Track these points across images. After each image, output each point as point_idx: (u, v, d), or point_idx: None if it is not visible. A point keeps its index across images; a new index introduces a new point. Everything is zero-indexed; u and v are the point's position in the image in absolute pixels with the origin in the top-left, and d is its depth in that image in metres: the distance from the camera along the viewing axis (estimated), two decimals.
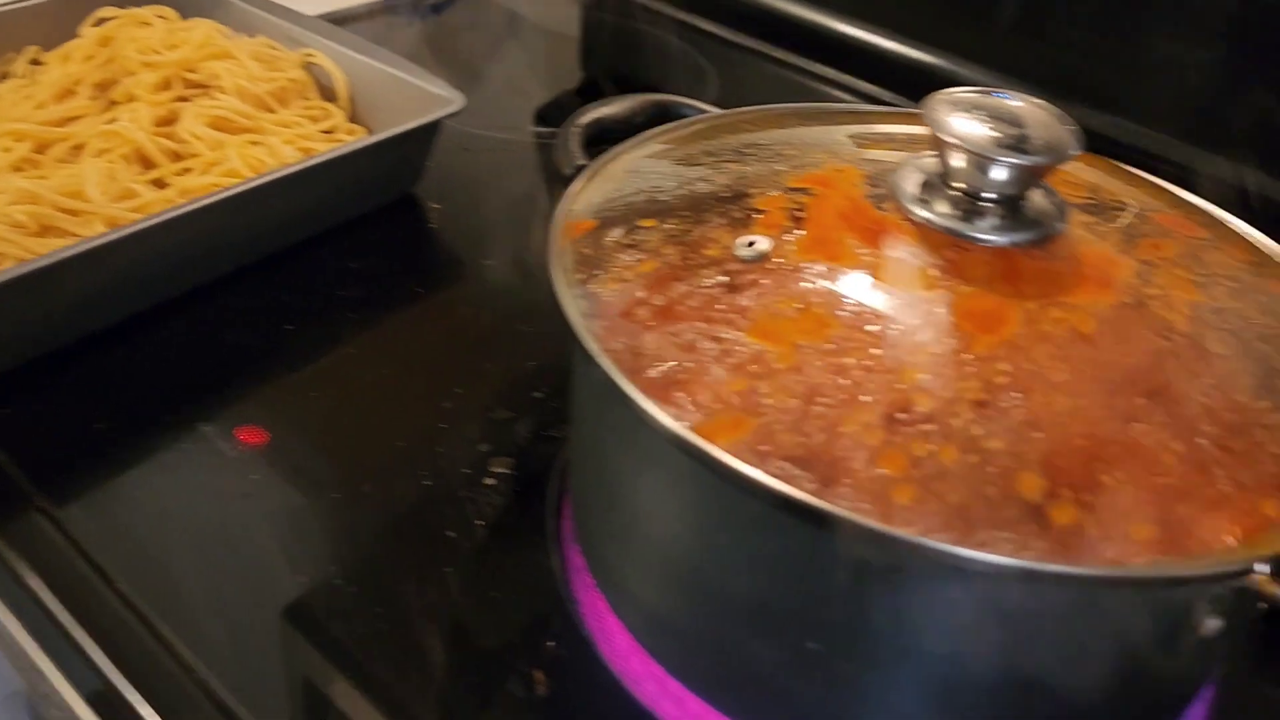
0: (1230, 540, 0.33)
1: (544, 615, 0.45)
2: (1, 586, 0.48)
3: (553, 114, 0.86)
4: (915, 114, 0.51)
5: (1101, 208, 0.43)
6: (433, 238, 0.69)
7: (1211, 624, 0.35)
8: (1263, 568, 0.32)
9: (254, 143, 0.67)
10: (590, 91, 0.91)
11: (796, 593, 0.36)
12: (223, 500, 0.49)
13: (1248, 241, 0.46)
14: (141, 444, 0.52)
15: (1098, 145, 0.47)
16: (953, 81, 0.77)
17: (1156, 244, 0.42)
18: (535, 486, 0.51)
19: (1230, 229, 0.46)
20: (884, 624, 0.35)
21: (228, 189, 0.58)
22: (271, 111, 0.71)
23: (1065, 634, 0.35)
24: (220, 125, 0.68)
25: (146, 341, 0.57)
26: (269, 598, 0.45)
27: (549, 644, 0.44)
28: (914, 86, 0.85)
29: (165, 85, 0.70)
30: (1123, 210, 0.43)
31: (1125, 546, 0.33)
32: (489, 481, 0.51)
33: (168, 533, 0.48)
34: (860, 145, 0.47)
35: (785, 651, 0.37)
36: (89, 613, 0.44)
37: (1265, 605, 0.33)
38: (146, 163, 0.66)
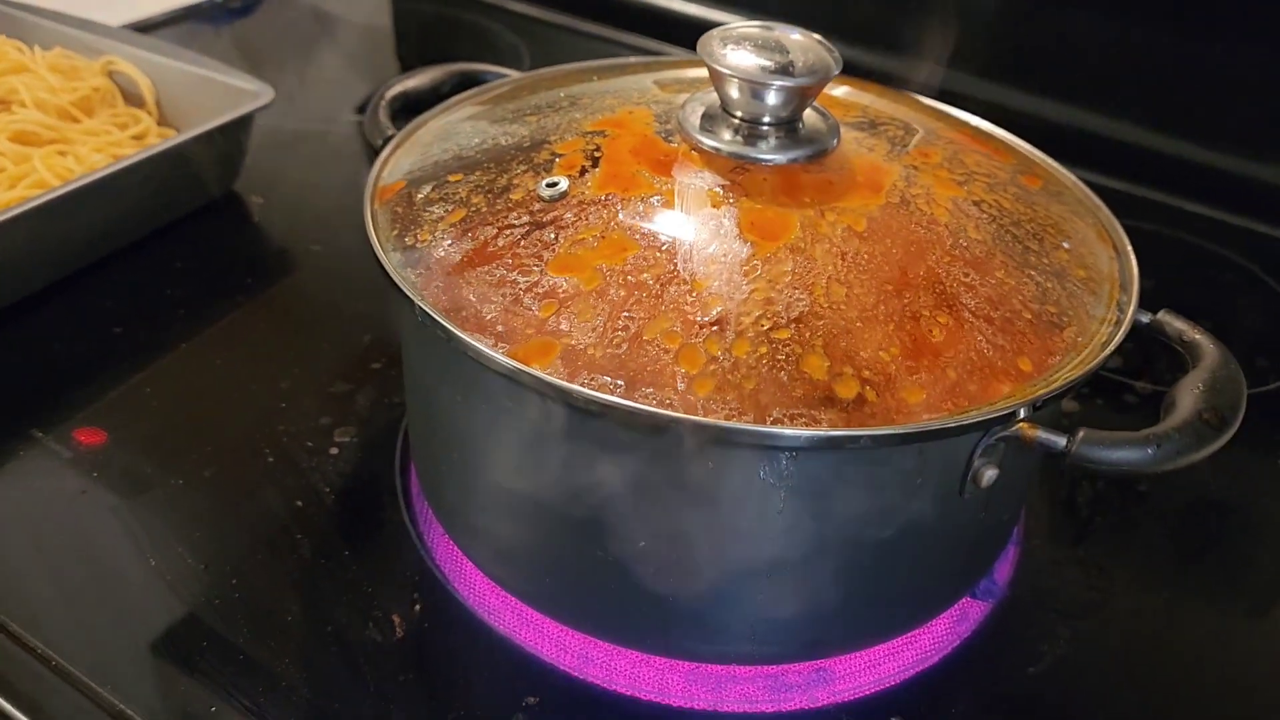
0: (994, 395, 0.38)
1: (399, 567, 0.47)
2: None
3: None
4: (698, 61, 0.55)
5: (872, 125, 0.47)
6: (258, 230, 0.70)
7: (989, 474, 0.39)
8: (1022, 412, 0.37)
9: (60, 153, 0.66)
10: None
11: (621, 497, 0.39)
12: (63, 499, 0.49)
13: (1004, 144, 0.51)
14: None
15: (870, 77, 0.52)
16: None
17: (923, 151, 0.46)
18: (380, 451, 0.53)
19: (988, 134, 0.51)
20: (704, 513, 0.38)
21: (35, 198, 0.57)
22: (77, 122, 0.70)
23: (865, 503, 0.38)
24: (24, 139, 0.67)
25: None
26: (120, 584, 0.45)
27: (406, 591, 0.46)
28: None
29: None
30: (890, 125, 0.47)
31: (904, 412, 0.36)
32: (333, 451, 0.52)
33: (9, 535, 0.47)
34: (645, 93, 0.50)
35: (620, 559, 0.40)
36: None
37: (1030, 448, 0.37)
38: None
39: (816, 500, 0.38)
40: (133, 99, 0.74)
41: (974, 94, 0.61)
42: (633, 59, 0.58)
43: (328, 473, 0.51)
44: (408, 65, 0.94)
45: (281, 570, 0.46)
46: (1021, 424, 0.37)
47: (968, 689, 0.44)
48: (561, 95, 0.50)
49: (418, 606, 0.45)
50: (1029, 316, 0.40)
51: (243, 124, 0.68)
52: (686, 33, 0.91)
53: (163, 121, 0.74)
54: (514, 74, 0.56)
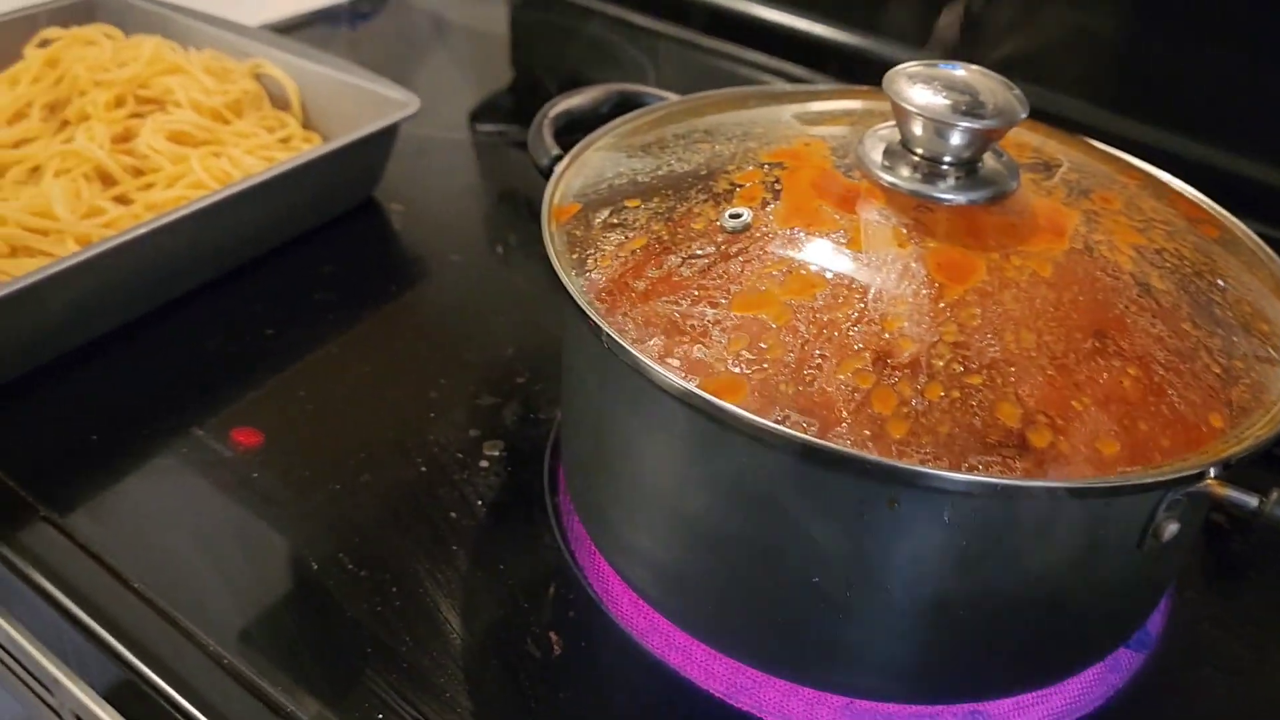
0: (1185, 450, 0.37)
1: (551, 583, 0.48)
2: (8, 596, 0.49)
3: (486, 113, 0.89)
4: (853, 90, 0.55)
5: (1046, 166, 0.47)
6: (398, 238, 0.71)
7: (1171, 528, 0.38)
8: (1214, 471, 0.36)
9: (215, 154, 0.68)
10: (522, 89, 0.94)
11: (801, 533, 0.39)
12: (225, 498, 0.50)
13: (1176, 191, 0.50)
14: (137, 451, 0.53)
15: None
16: (864, 59, 0.81)
17: (1102, 197, 0.45)
18: (528, 465, 0.53)
19: (1159, 180, 0.50)
20: (883, 553, 0.38)
21: (200, 200, 0.59)
22: (228, 123, 0.72)
23: (1047, 551, 0.38)
24: (179, 139, 0.69)
25: (131, 354, 0.58)
26: (282, 584, 0.47)
27: (560, 608, 0.46)
28: (829, 64, 0.90)
29: (119, 103, 0.70)
30: (1064, 168, 0.47)
31: (1096, 463, 0.36)
32: (483, 464, 0.53)
33: (175, 532, 0.49)
34: (812, 123, 0.50)
35: (788, 590, 0.40)
36: (106, 611, 0.45)
37: (1216, 505, 0.37)
38: (107, 180, 0.66)
39: (996, 546, 0.38)
40: (278, 102, 0.76)
41: (1129, 135, 0.60)
42: (788, 87, 0.58)
43: (479, 485, 0.52)
44: (521, 75, 0.96)
45: (440, 580, 0.47)
46: (1212, 481, 0.37)
47: None
48: (730, 123, 0.50)
49: (573, 625, 0.46)
50: (1217, 371, 0.40)
51: (390, 132, 0.69)
52: (809, 52, 0.92)
53: (307, 125, 0.75)
54: (673, 96, 0.57)
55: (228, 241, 0.64)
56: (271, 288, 0.64)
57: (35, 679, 0.53)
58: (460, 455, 0.53)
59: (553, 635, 0.45)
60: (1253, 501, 0.36)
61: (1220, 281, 0.43)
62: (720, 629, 0.44)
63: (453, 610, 0.46)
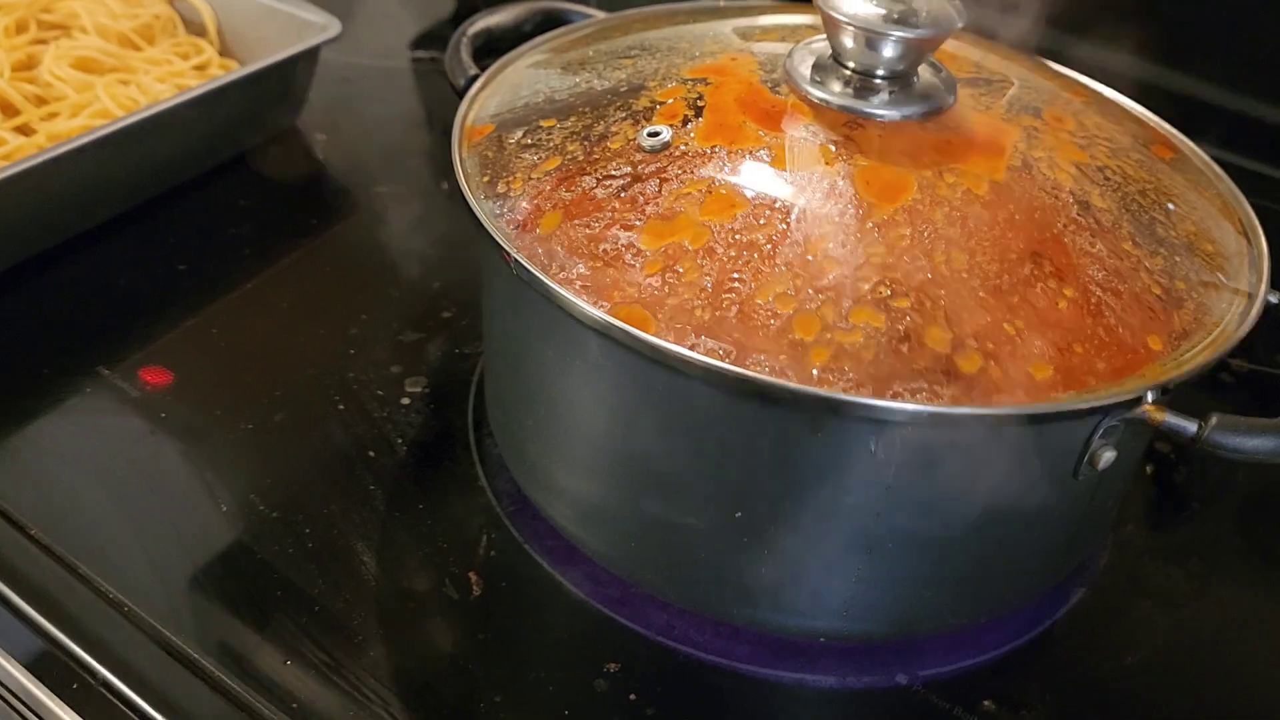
0: (1121, 374, 0.36)
1: (473, 522, 0.46)
2: None
3: (429, 41, 0.85)
4: (795, 6, 0.53)
5: (987, 82, 0.45)
6: (321, 169, 0.68)
7: (1107, 456, 0.37)
8: (1151, 396, 0.35)
9: (123, 82, 0.64)
10: (464, 17, 0.89)
11: (721, 465, 0.37)
12: (132, 439, 0.48)
13: (1122, 108, 0.48)
14: (42, 392, 0.50)
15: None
16: None
17: (1046, 112, 0.43)
18: (452, 403, 0.51)
19: (1107, 98, 0.48)
20: (807, 485, 0.36)
21: (102, 128, 0.56)
22: (139, 50, 0.68)
23: (979, 479, 0.36)
24: (85, 66, 0.65)
25: (35, 291, 0.55)
26: (192, 528, 0.44)
27: (480, 548, 0.45)
28: None
29: (20, 28, 0.66)
30: (1006, 83, 0.45)
31: (1028, 388, 0.34)
32: (405, 401, 0.51)
33: (78, 476, 0.46)
34: (745, 38, 0.47)
35: (712, 524, 0.38)
36: (4, 560, 0.43)
37: (1154, 430, 0.35)
38: (8, 110, 0.62)
39: (926, 476, 0.36)
40: (194, 27, 0.72)
41: (1085, 58, 0.58)
42: (719, 3, 0.55)
43: (400, 423, 0.50)
44: (466, 4, 0.92)
45: (355, 521, 0.45)
46: (1149, 407, 0.35)
47: (1059, 674, 0.43)
48: (656, 39, 0.47)
49: (494, 565, 0.44)
50: (1157, 292, 0.38)
51: (309, 57, 0.66)
52: None
53: (224, 52, 0.71)
54: (599, 14, 0.54)
55: (136, 173, 0.60)
56: (185, 222, 0.61)
57: None
58: (381, 393, 0.51)
59: (472, 576, 0.43)
60: (1191, 427, 0.35)
61: (1166, 202, 0.42)
62: (650, 569, 0.42)
63: (368, 551, 0.44)
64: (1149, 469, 0.51)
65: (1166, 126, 0.47)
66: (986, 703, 0.41)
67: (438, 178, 0.67)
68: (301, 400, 0.50)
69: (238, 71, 0.62)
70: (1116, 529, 0.48)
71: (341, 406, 0.50)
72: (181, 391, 0.51)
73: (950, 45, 0.48)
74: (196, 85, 0.60)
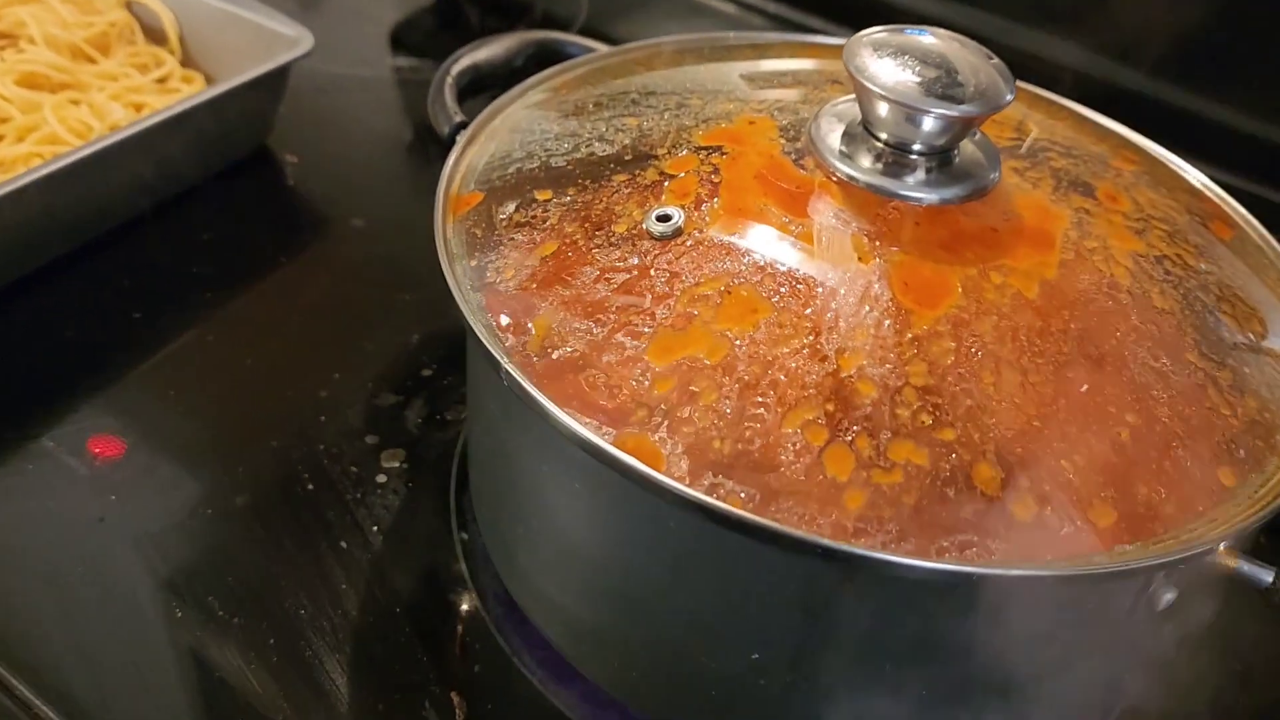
0: (1190, 515, 0.32)
1: (456, 631, 0.41)
2: None
3: (410, 37, 0.79)
4: (808, 47, 0.48)
5: (1031, 153, 0.40)
6: (292, 196, 0.63)
7: (1168, 597, 0.33)
8: (1224, 545, 0.31)
9: (74, 101, 0.59)
10: (447, 9, 0.84)
11: (742, 609, 0.33)
12: (78, 527, 0.43)
13: (1176, 176, 0.43)
14: None
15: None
16: None
17: (1096, 188, 0.39)
18: (434, 482, 0.47)
19: (1160, 162, 0.44)
20: (835, 636, 0.32)
21: (48, 165, 0.50)
22: (93, 62, 0.62)
23: (1021, 633, 0.32)
24: (32, 82, 0.59)
25: None
26: (143, 638, 0.40)
27: (465, 662, 0.40)
28: None
29: None
30: (1051, 150, 0.41)
31: (1090, 534, 0.30)
32: (381, 479, 0.46)
33: (20, 577, 0.42)
34: (760, 88, 0.43)
35: (727, 664, 0.34)
36: None
37: (1227, 579, 0.32)
38: None
39: (968, 632, 0.32)
40: (154, 35, 0.66)
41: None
42: (727, 36, 0.50)
43: (375, 507, 0.45)
44: (447, 4, 0.86)
45: (325, 629, 0.41)
46: (1221, 552, 0.31)
47: None
48: (658, 87, 0.43)
49: (479, 682, 0.40)
50: (1227, 413, 0.34)
51: (281, 74, 0.61)
52: None
53: (186, 62, 0.66)
54: (597, 46, 0.49)
55: (86, 208, 0.55)
56: (140, 261, 0.56)
57: None
58: (355, 469, 0.47)
59: (455, 696, 0.39)
60: (1268, 577, 0.31)
61: (1230, 296, 0.37)
62: (650, 696, 0.38)
63: (339, 668, 0.40)
64: None
65: (1224, 195, 0.43)
66: None
67: (419, 208, 0.61)
68: (267, 479, 0.46)
69: (201, 94, 0.56)
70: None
71: (311, 487, 0.46)
72: (134, 465, 0.46)
73: None
74: (155, 111, 0.55)
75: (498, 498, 0.40)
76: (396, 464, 0.47)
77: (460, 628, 0.42)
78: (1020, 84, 0.45)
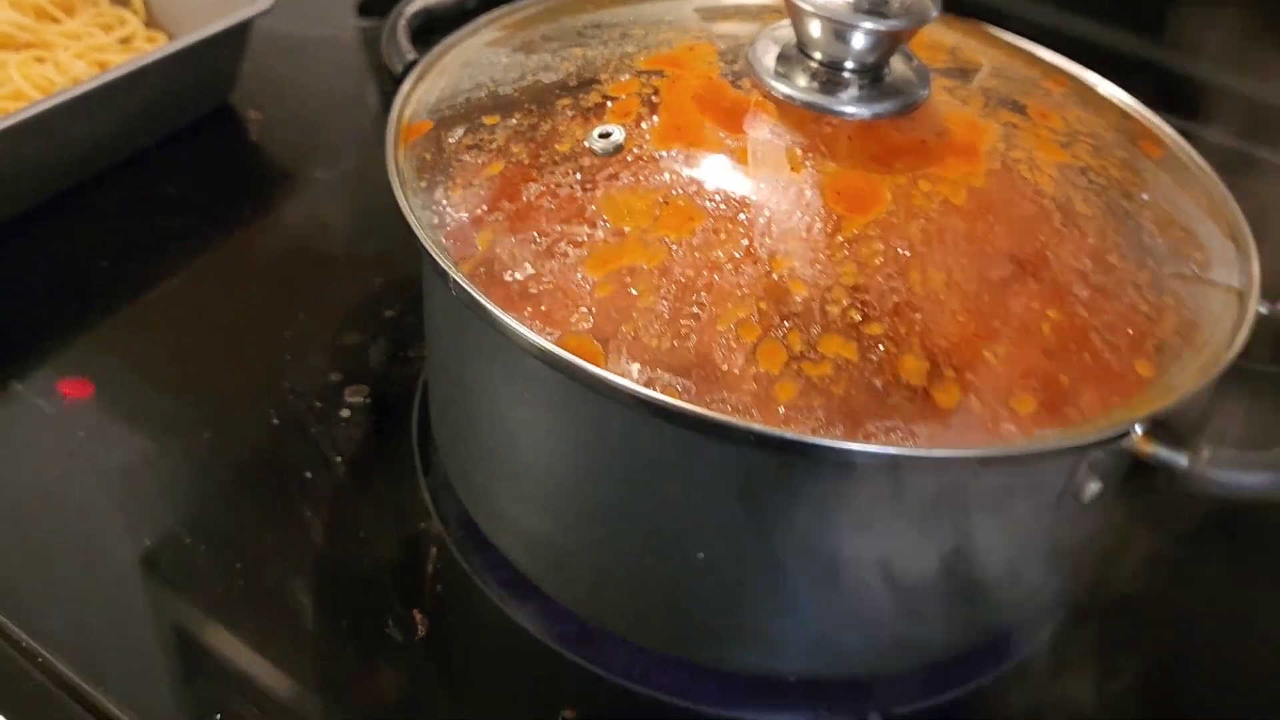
0: (1109, 403, 0.33)
1: (418, 552, 0.43)
2: None
3: (376, 4, 0.80)
4: None
5: (962, 71, 0.42)
6: (256, 151, 0.63)
7: (1092, 488, 0.35)
8: (1139, 429, 0.32)
9: (39, 59, 0.60)
10: None
11: (684, 505, 0.34)
12: (47, 462, 0.44)
13: (1107, 99, 0.45)
14: None
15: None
16: None
17: (1024, 105, 0.40)
18: (396, 413, 0.48)
19: (1089, 86, 0.45)
20: (773, 526, 0.34)
21: (13, 115, 0.51)
22: (56, 22, 0.63)
23: (953, 518, 0.34)
24: None
25: None
26: (112, 566, 0.41)
27: (427, 581, 0.42)
28: None
29: None
30: (983, 72, 0.42)
31: (1011, 421, 0.32)
32: (344, 413, 0.48)
33: None
34: (706, 20, 0.44)
35: (674, 564, 0.36)
36: None
37: (1144, 464, 0.33)
38: None
39: (896, 515, 0.34)
40: None
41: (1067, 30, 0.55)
42: None
43: (339, 439, 0.46)
44: None
45: (290, 554, 0.42)
46: (1137, 438, 0.33)
47: (1036, 704, 0.41)
48: (608, 20, 0.44)
49: (441, 601, 0.41)
50: (1145, 310, 0.35)
51: (242, 30, 0.61)
52: None
53: (150, 23, 0.67)
54: None
55: (53, 161, 0.56)
56: (107, 212, 0.57)
57: None
58: (319, 404, 0.48)
59: (417, 614, 0.40)
60: (1182, 460, 0.32)
61: (1153, 205, 0.39)
62: (604, 605, 0.40)
63: (304, 589, 0.41)
64: None
65: (1154, 119, 0.45)
66: None
67: (381, 161, 0.63)
68: (232, 415, 0.47)
69: (161, 50, 0.57)
70: (1098, 561, 0.46)
71: (276, 421, 0.47)
72: (102, 405, 0.47)
73: (926, 28, 0.45)
74: (118, 65, 0.56)
75: (454, 419, 0.41)
76: (360, 399, 0.48)
77: (423, 551, 0.43)
78: (957, 18, 0.46)
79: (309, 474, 0.45)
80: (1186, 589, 0.45)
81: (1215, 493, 0.33)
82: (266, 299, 0.53)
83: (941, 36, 0.44)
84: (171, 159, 0.61)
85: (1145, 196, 0.39)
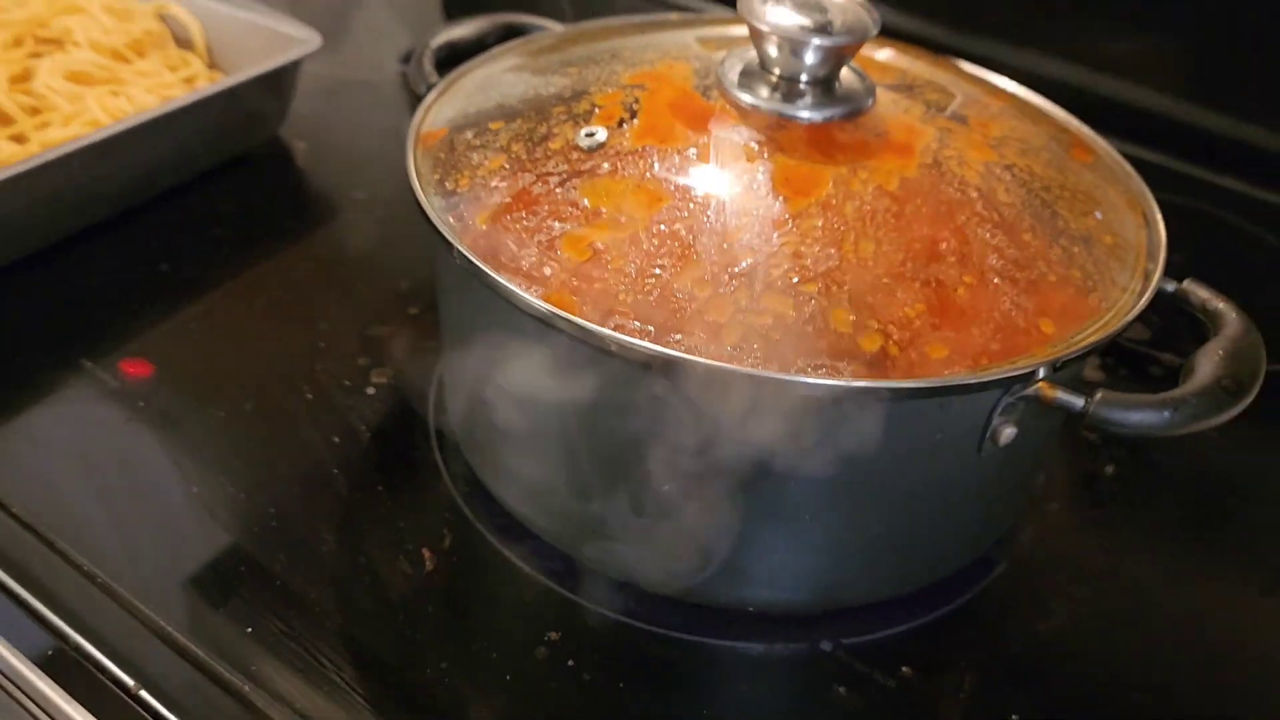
0: (1015, 354, 0.38)
1: (430, 504, 0.48)
2: None
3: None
4: (730, 18, 0.56)
5: (909, 87, 0.48)
6: (302, 176, 0.71)
7: (1008, 432, 0.40)
8: (1043, 373, 0.38)
9: (113, 93, 0.68)
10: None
11: (646, 442, 0.40)
12: (110, 426, 0.51)
13: (1043, 113, 0.51)
14: (26, 383, 0.53)
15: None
16: None
17: (960, 115, 0.46)
18: (415, 392, 0.54)
19: (1027, 103, 0.51)
20: (725, 460, 0.39)
21: (91, 135, 0.59)
22: (129, 63, 0.71)
23: (883, 454, 0.39)
24: (78, 79, 0.68)
25: (25, 288, 0.58)
26: (163, 508, 0.47)
27: (435, 527, 0.47)
28: None
29: (17, 43, 0.70)
30: (927, 88, 0.48)
31: (926, 366, 0.37)
32: (370, 391, 0.54)
33: (60, 461, 0.49)
34: (686, 48, 0.50)
35: (641, 499, 0.41)
36: None
37: (1049, 408, 0.38)
38: (4, 119, 0.66)
39: (837, 451, 0.39)
40: (184, 42, 0.75)
41: (1007, 61, 0.61)
42: (675, 15, 0.58)
43: (364, 412, 0.52)
44: (452, 17, 0.95)
45: (318, 503, 0.48)
46: (1041, 383, 0.38)
47: (977, 643, 0.45)
48: (603, 48, 0.51)
49: (447, 542, 0.47)
50: (1053, 279, 0.41)
51: (290, 69, 0.69)
52: None
53: (212, 65, 0.75)
54: (558, 26, 0.57)
55: (123, 178, 0.63)
56: (169, 225, 0.64)
57: None
58: (347, 383, 0.54)
59: (426, 552, 0.46)
60: (1079, 402, 0.38)
61: (1070, 196, 0.44)
62: (584, 541, 0.45)
63: (329, 530, 0.47)
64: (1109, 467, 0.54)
65: (1087, 131, 0.50)
66: (905, 669, 0.43)
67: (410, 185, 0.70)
68: (271, 390, 0.53)
69: (221, 83, 0.65)
70: (1040, 507, 0.50)
71: (309, 396, 0.53)
72: (159, 382, 0.54)
73: (882, 55, 0.51)
74: (182, 96, 0.64)
75: (460, 382, 0.47)
76: (384, 380, 0.54)
77: (433, 502, 0.49)
78: (915, 47, 0.53)
79: (336, 439, 0.51)
80: (1116, 543, 0.49)
81: (1109, 430, 0.38)
82: (305, 299, 0.60)
83: (898, 61, 0.50)
84: (227, 181, 0.68)
85: (1063, 190, 0.44)
